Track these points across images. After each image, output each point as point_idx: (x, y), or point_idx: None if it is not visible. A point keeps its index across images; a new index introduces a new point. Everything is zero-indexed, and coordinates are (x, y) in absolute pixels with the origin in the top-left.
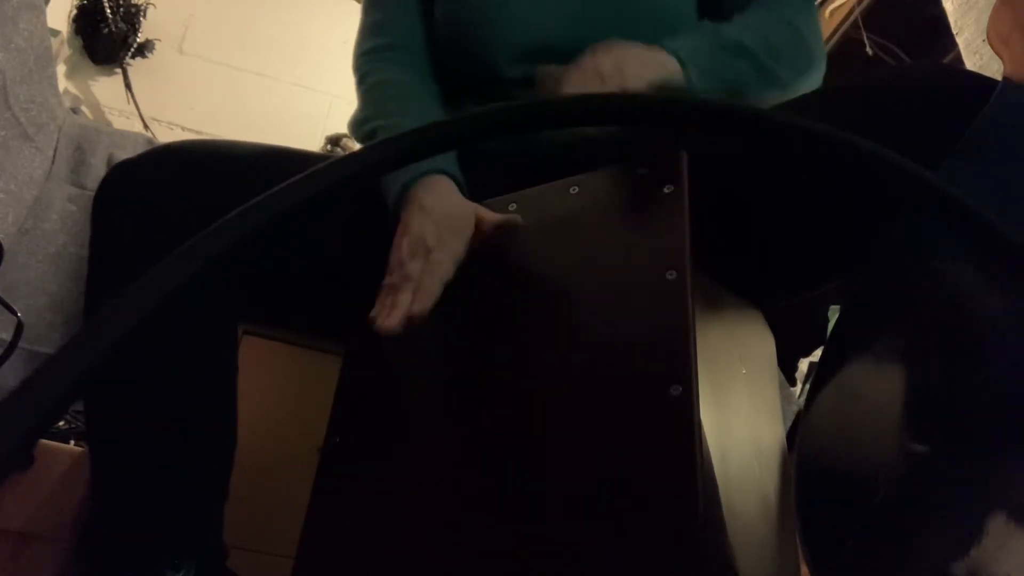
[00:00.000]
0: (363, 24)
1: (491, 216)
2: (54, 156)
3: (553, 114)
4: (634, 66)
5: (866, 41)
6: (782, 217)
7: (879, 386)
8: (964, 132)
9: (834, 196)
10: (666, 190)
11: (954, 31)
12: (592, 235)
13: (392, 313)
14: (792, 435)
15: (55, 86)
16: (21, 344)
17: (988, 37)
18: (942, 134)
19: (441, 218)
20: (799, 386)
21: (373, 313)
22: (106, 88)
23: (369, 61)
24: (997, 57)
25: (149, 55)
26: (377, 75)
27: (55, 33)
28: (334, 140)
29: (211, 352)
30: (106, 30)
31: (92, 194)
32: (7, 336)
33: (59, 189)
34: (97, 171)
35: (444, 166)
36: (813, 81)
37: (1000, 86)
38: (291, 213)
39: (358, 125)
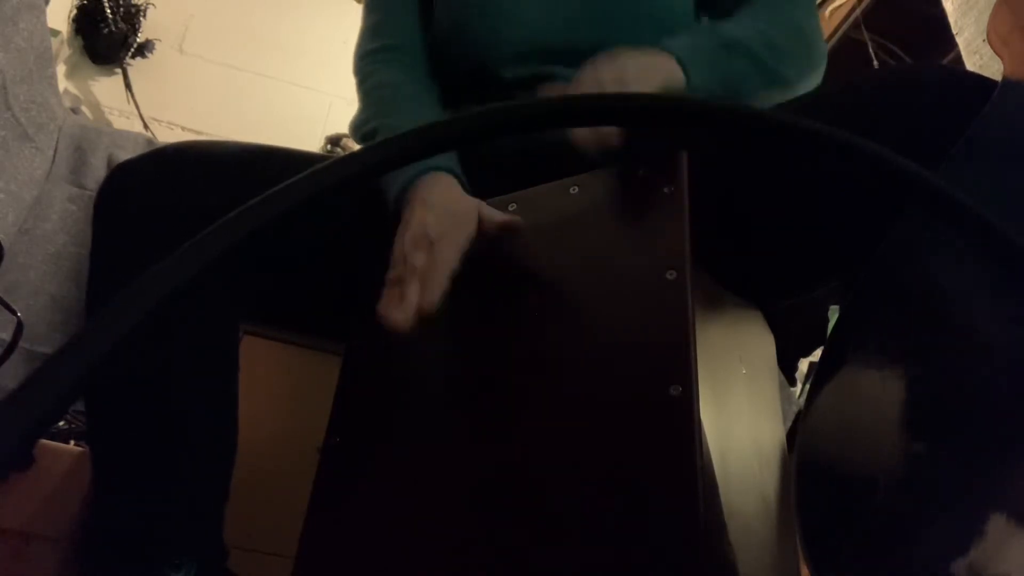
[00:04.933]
0: (363, 26)
1: (494, 215)
2: (54, 156)
3: (553, 114)
4: (635, 73)
5: (866, 41)
6: (782, 217)
7: (879, 386)
8: (964, 132)
9: (834, 196)
10: (666, 190)
11: (954, 31)
12: (592, 235)
13: (401, 307)
14: (792, 435)
15: (55, 86)
16: (21, 344)
17: (988, 37)
18: (942, 134)
19: (443, 212)
20: (799, 386)
21: (380, 308)
22: (106, 88)
23: (369, 63)
24: (997, 57)
25: (149, 55)
26: (376, 77)
27: (55, 33)
28: (334, 140)
29: (211, 352)
30: (106, 30)
31: (92, 194)
32: (7, 336)
33: (59, 189)
34: (97, 171)
35: (446, 164)
36: (815, 79)
37: (1000, 86)
38: (291, 213)
39: (358, 127)
